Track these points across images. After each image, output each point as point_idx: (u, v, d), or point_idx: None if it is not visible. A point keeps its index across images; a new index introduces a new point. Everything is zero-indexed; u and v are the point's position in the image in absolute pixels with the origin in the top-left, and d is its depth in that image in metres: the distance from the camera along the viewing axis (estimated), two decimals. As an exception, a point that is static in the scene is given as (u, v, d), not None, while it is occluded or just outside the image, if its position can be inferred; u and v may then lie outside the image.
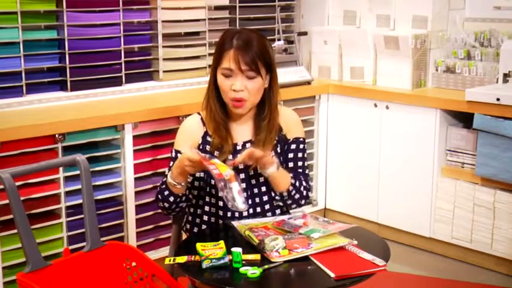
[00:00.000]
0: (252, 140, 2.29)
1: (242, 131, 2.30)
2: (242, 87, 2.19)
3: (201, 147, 2.28)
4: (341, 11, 4.33)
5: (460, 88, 3.72)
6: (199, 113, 2.35)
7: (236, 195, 1.99)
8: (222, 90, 2.23)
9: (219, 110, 2.27)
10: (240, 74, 2.18)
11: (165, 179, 2.24)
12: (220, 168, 2.01)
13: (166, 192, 2.22)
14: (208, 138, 2.28)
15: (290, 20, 4.51)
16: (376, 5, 4.15)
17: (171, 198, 2.22)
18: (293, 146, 2.34)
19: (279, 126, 2.33)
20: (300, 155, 2.36)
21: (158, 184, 2.35)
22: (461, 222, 3.61)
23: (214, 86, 2.27)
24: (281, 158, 2.31)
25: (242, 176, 2.25)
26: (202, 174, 2.29)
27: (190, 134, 2.31)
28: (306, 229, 2.05)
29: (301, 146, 2.36)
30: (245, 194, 2.11)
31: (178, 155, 2.25)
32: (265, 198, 2.30)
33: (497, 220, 3.46)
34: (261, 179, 2.28)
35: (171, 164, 2.27)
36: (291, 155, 2.34)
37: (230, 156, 2.23)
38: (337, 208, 4.17)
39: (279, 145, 2.32)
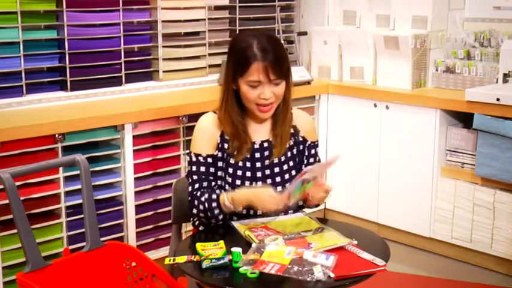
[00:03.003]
0: (270, 140, 2.29)
1: (260, 129, 2.31)
2: (271, 95, 2.22)
3: (219, 146, 2.27)
4: (341, 11, 4.33)
5: (460, 88, 3.72)
6: (214, 112, 2.32)
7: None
8: (247, 99, 2.22)
9: (238, 114, 2.27)
10: (268, 83, 2.20)
11: (213, 195, 2.19)
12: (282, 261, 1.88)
13: (216, 211, 2.19)
14: (226, 137, 2.27)
15: (290, 20, 4.51)
16: (376, 5, 4.14)
17: (221, 216, 2.20)
18: (313, 151, 2.38)
19: (296, 129, 2.34)
20: (317, 159, 2.40)
21: (201, 199, 2.22)
22: (461, 222, 3.61)
23: (232, 90, 2.25)
24: (297, 159, 2.33)
25: (239, 172, 2.25)
26: (221, 174, 2.27)
27: (209, 135, 2.28)
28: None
29: (317, 150, 2.42)
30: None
31: (200, 158, 2.25)
32: None
33: (497, 220, 3.46)
34: (259, 184, 2.26)
35: (193, 169, 2.25)
36: (312, 160, 2.37)
37: (248, 155, 2.25)
38: (337, 208, 4.17)
39: (295, 147, 2.33)
